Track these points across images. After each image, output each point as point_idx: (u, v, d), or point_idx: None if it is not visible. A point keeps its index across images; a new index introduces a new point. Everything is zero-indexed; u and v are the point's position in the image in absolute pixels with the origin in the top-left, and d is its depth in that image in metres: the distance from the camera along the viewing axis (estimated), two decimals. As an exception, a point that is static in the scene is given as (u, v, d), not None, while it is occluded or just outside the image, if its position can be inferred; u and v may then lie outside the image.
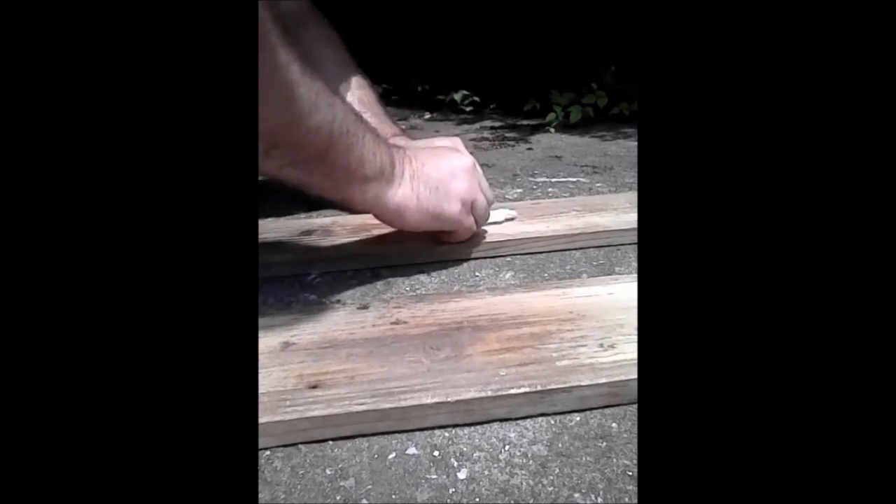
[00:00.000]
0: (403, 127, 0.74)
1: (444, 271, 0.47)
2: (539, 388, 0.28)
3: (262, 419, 0.27)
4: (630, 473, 0.25)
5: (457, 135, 0.45)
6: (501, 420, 0.29)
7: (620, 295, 0.38)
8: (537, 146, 1.02)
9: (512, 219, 0.55)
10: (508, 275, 0.46)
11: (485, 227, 0.51)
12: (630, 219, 0.53)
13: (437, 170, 0.44)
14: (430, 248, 0.49)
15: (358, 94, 0.62)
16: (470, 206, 0.46)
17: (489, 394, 0.28)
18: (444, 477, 0.25)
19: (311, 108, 0.35)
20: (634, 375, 0.29)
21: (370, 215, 0.57)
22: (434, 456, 0.27)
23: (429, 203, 0.43)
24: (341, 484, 0.25)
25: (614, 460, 0.26)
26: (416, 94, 1.60)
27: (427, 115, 1.47)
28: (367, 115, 0.46)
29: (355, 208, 0.43)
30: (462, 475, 0.25)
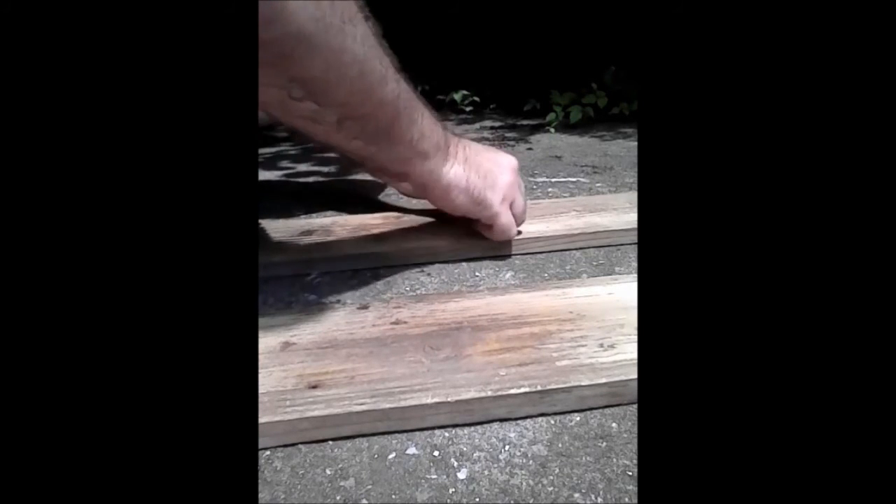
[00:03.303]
0: None
1: (444, 271, 0.47)
2: (539, 388, 0.28)
3: (262, 419, 0.27)
4: (630, 473, 0.25)
5: (456, 135, 0.46)
6: (501, 420, 0.29)
7: (620, 295, 0.38)
8: (537, 146, 1.02)
9: None
10: (508, 275, 0.46)
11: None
12: (630, 219, 0.53)
13: (486, 160, 0.46)
14: (431, 248, 0.49)
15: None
16: (510, 203, 0.47)
17: (489, 394, 0.28)
18: (444, 477, 0.25)
19: (381, 80, 0.36)
20: (634, 375, 0.29)
21: (370, 215, 0.58)
22: (434, 456, 0.27)
23: (475, 187, 0.45)
24: (341, 484, 0.25)
25: (614, 460, 0.26)
26: (416, 94, 1.60)
27: (427, 115, 1.47)
28: None
29: (410, 180, 0.45)
30: (462, 475, 0.25)
